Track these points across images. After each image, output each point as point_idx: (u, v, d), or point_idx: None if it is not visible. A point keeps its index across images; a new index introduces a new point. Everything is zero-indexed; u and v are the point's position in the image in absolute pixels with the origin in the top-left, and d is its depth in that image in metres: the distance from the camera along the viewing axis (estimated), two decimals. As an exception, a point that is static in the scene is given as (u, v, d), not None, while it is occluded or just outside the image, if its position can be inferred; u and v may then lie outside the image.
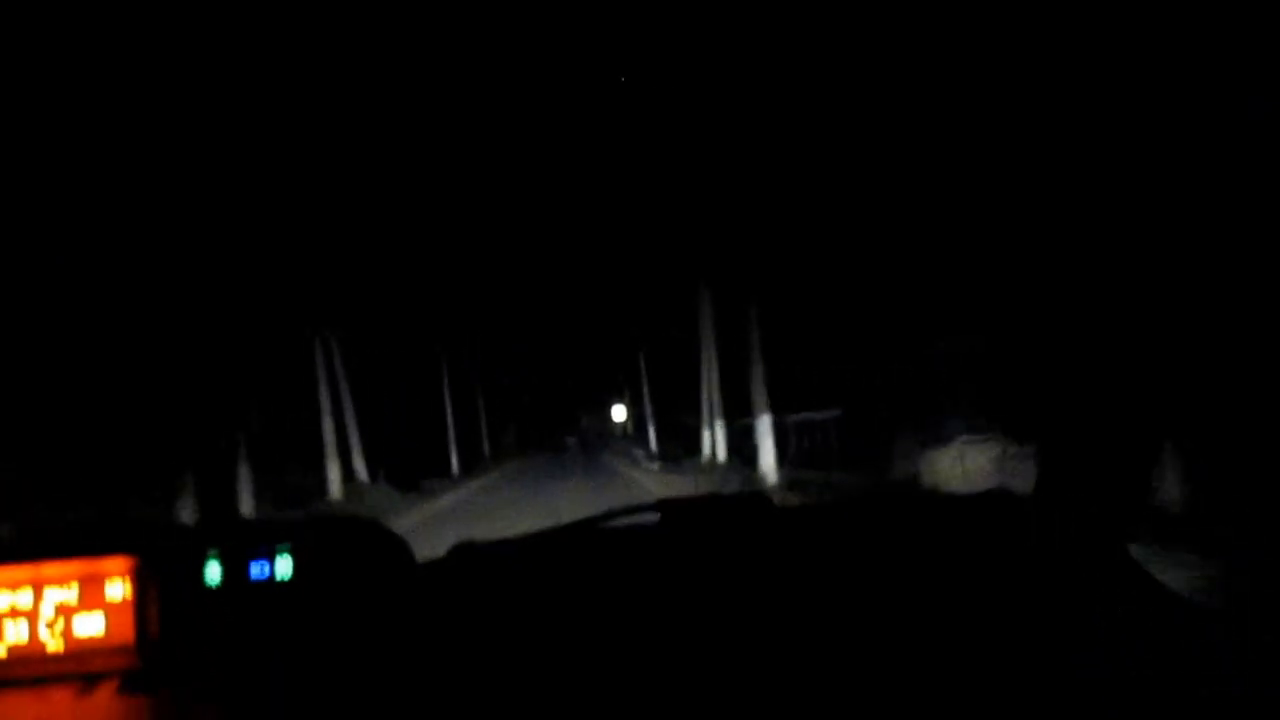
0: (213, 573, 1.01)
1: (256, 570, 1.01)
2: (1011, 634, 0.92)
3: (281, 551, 1.01)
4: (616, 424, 60.25)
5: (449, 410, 28.98)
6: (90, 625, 1.01)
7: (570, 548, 1.16)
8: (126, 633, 1.00)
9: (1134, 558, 1.03)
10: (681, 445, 28.62)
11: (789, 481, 12.70)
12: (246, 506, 12.84)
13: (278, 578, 1.01)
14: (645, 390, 32.53)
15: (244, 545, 1.02)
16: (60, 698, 0.93)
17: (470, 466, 29.52)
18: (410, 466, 21.18)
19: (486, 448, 41.01)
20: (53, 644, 1.00)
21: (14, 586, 1.00)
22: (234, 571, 1.01)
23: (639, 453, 29.56)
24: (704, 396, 20.03)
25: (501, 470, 29.37)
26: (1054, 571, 1.03)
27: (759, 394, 13.65)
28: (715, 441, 19.69)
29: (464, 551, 1.13)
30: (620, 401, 58.57)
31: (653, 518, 1.16)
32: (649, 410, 32.37)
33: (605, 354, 60.25)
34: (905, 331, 10.68)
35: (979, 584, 1.02)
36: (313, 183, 13.82)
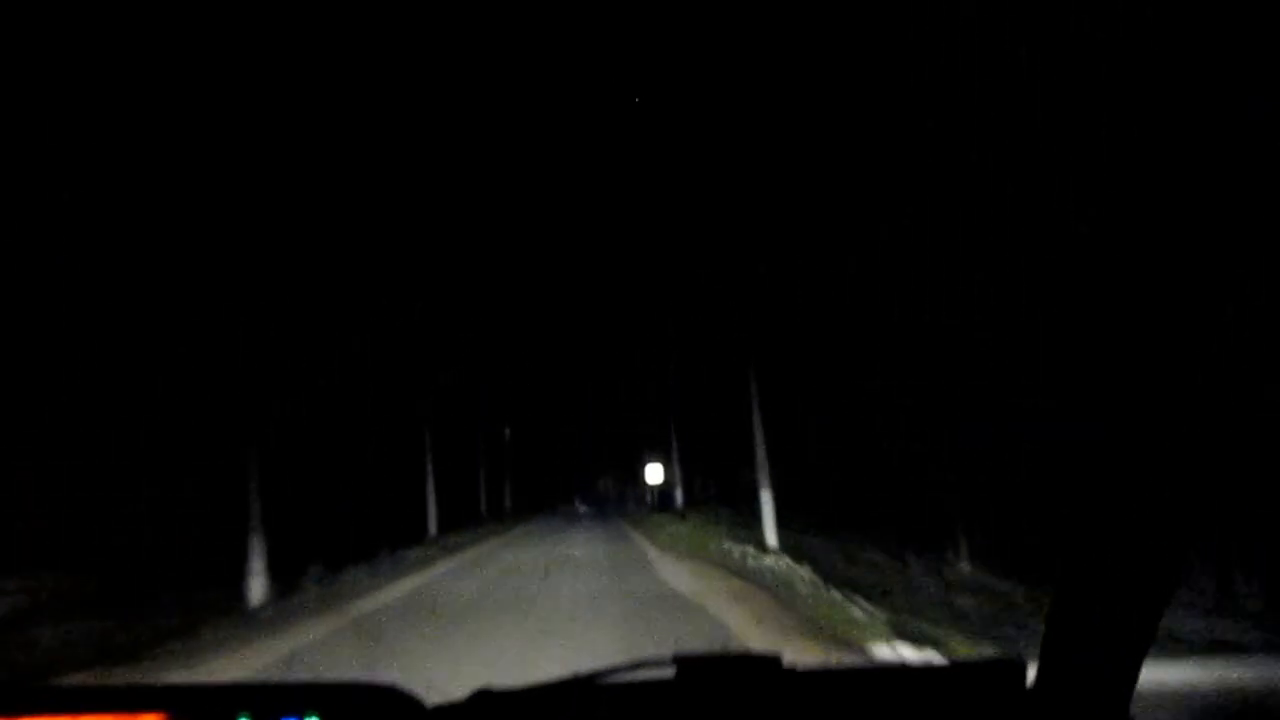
0: None
1: None
2: None
3: (310, 715, 1.03)
4: (651, 487, 41.56)
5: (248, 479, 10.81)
6: None
7: (587, 699, 1.18)
8: None
9: None
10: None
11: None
12: None
13: None
14: (756, 414, 14.38)
15: (275, 708, 1.03)
16: None
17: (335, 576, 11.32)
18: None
19: (433, 526, 22.72)
20: None
21: None
22: None
23: (771, 567, 11.17)
24: None
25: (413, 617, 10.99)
26: None
27: None
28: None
29: (483, 698, 1.16)
30: (655, 458, 40.33)
31: (668, 672, 1.18)
32: (764, 474, 14.12)
33: (635, 392, 43.56)
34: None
35: None
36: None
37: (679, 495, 28.92)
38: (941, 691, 1.20)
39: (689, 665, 1.17)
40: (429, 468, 22.43)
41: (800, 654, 5.83)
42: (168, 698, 1.04)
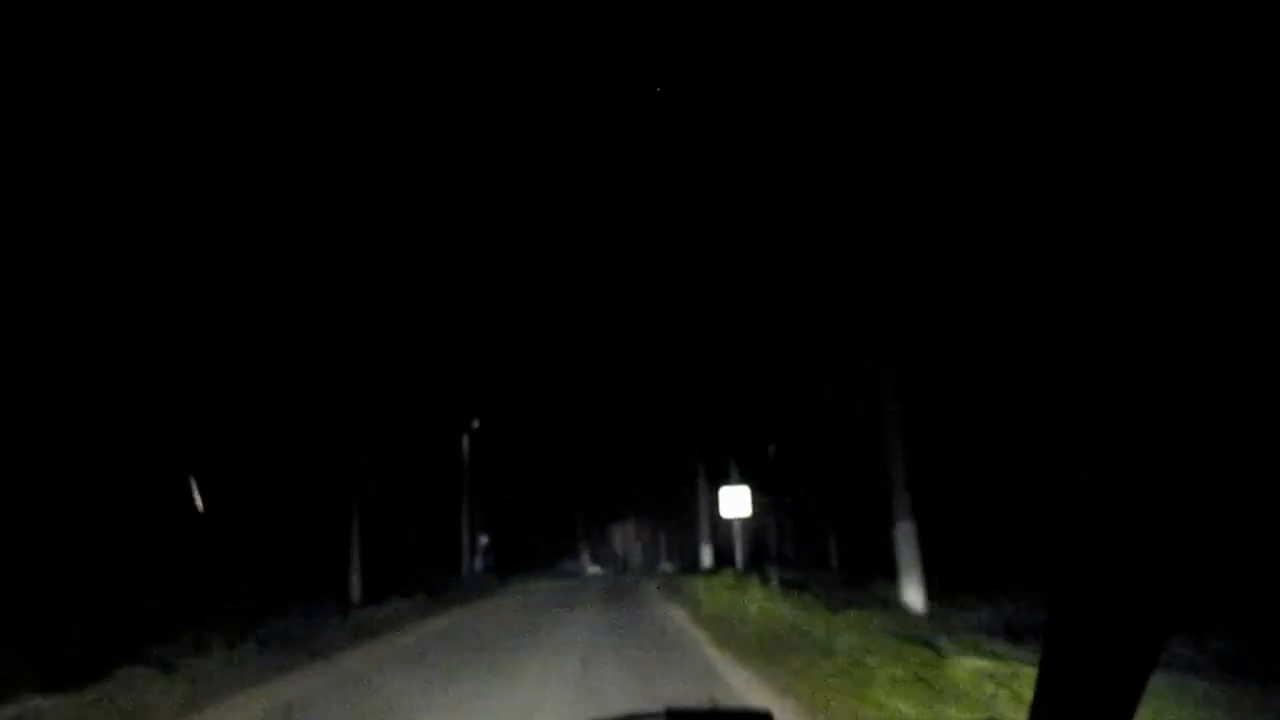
0: None
1: None
2: None
3: None
4: (730, 519, 20.69)
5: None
6: None
7: None
8: None
9: None
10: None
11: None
12: None
13: None
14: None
15: None
16: None
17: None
18: None
19: None
20: None
21: None
22: None
23: None
24: None
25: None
26: None
27: None
28: None
29: None
30: (732, 476, 20.67)
31: None
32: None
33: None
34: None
35: None
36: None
37: (906, 551, 8.75)
38: None
39: (681, 719, 1.03)
40: None
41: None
42: None
